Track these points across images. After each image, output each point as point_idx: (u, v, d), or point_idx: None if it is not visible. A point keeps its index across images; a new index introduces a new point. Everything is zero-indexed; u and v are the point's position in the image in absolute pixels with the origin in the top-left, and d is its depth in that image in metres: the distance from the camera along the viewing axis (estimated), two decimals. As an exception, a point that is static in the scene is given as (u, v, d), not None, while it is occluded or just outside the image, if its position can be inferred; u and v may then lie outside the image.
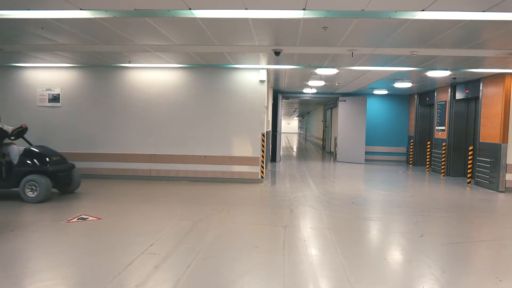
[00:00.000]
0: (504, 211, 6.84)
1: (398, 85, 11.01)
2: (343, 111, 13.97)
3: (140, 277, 3.46)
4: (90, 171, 8.95)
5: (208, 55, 7.35)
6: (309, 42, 6.05)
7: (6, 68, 9.08)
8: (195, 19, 4.86)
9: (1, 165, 6.64)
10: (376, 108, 14.67)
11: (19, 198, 6.50)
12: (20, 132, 6.84)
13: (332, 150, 16.37)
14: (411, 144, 13.73)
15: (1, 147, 6.75)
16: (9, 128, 6.86)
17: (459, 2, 4.05)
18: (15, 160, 6.63)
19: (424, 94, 13.12)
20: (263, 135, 8.87)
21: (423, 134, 13.36)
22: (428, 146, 12.25)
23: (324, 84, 11.78)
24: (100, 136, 9.00)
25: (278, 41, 6.06)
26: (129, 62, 8.34)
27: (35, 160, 6.58)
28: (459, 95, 10.60)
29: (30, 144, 6.95)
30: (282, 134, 15.71)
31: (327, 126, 19.67)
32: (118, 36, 5.90)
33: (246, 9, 4.42)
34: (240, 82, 8.80)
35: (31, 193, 6.44)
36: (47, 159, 6.66)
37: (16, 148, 6.80)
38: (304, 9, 4.39)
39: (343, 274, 3.66)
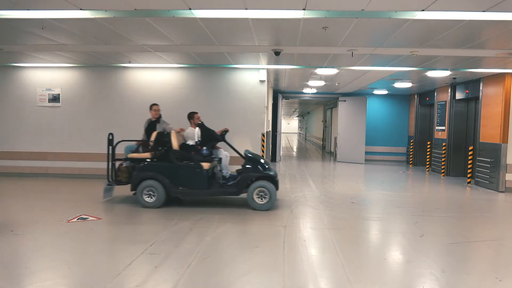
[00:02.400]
0: (504, 211, 6.84)
1: (398, 85, 11.00)
2: (343, 111, 13.97)
3: (140, 277, 3.46)
4: (91, 171, 8.95)
5: (208, 55, 7.35)
6: (309, 42, 6.05)
7: (6, 68, 9.08)
8: (195, 19, 4.86)
9: (216, 170, 6.42)
10: (376, 108, 14.67)
11: (15, 197, 6.50)
12: (224, 136, 6.58)
13: (332, 150, 16.37)
14: (411, 144, 13.73)
15: (213, 152, 6.54)
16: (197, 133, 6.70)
17: (459, 2, 4.05)
18: (226, 166, 6.42)
19: (424, 94, 13.12)
20: (263, 135, 8.87)
21: (423, 134, 13.35)
22: (428, 146, 12.25)
23: (324, 84, 11.78)
24: (100, 136, 8.98)
25: (278, 41, 6.06)
26: (129, 62, 8.34)
27: (260, 166, 6.24)
28: (459, 95, 10.60)
29: (233, 148, 6.55)
30: (282, 134, 15.71)
31: (327, 126, 19.67)
32: (118, 36, 5.90)
33: (246, 9, 4.42)
34: (240, 82, 8.80)
35: (261, 200, 6.11)
36: (266, 164, 6.35)
37: (224, 153, 6.64)
38: (304, 9, 4.39)
39: (343, 274, 3.66)
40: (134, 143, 6.75)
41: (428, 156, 12.22)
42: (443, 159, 11.04)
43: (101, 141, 8.98)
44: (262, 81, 8.76)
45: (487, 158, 8.80)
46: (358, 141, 13.64)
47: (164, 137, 6.34)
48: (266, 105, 9.21)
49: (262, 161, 6.37)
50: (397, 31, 5.20)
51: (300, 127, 46.47)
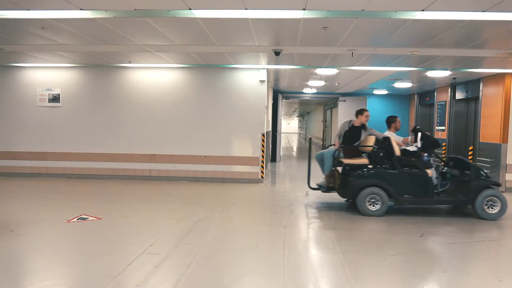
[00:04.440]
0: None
1: (398, 85, 11.00)
2: (343, 111, 13.96)
3: (140, 277, 3.46)
4: (90, 171, 8.95)
5: (208, 55, 7.35)
6: (309, 42, 6.05)
7: (6, 68, 9.08)
8: (195, 19, 4.86)
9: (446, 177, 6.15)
10: (376, 108, 14.63)
11: (15, 197, 6.48)
12: None
13: (332, 150, 16.34)
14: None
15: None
16: (400, 138, 6.54)
17: (459, 2, 4.05)
18: (436, 173, 6.08)
19: (424, 94, 13.11)
20: (263, 135, 8.86)
21: (423, 134, 13.32)
22: (428, 146, 12.22)
23: (324, 84, 11.78)
24: (100, 136, 9.00)
25: (278, 41, 6.05)
26: (129, 62, 8.33)
27: (484, 173, 5.91)
28: (459, 95, 10.60)
29: (435, 154, 6.26)
30: (282, 134, 15.71)
31: (327, 126, 19.66)
32: (118, 36, 5.89)
33: (246, 9, 4.42)
34: (240, 82, 8.80)
35: (491, 209, 5.78)
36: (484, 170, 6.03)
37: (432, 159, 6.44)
38: (304, 9, 4.38)
39: (343, 274, 3.66)
40: (331, 147, 6.62)
41: (428, 156, 12.19)
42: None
43: (101, 141, 9.00)
44: (262, 81, 8.76)
45: (487, 158, 8.79)
46: (358, 141, 13.63)
47: (380, 143, 6.21)
48: (266, 105, 9.21)
49: (481, 168, 6.13)
50: (397, 31, 5.20)
51: (300, 127, 46.45)
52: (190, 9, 4.47)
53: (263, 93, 8.83)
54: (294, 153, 19.09)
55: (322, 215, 5.96)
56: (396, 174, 5.92)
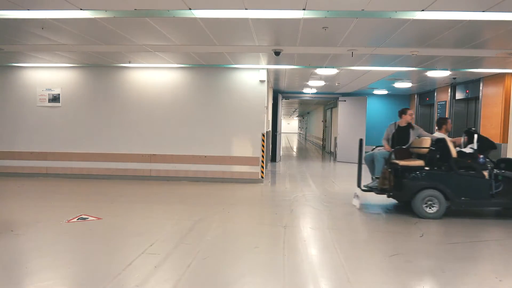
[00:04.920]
0: (504, 211, 6.83)
1: (398, 85, 11.01)
2: (343, 111, 13.97)
3: (140, 277, 3.46)
4: (90, 171, 8.95)
5: (208, 55, 7.35)
6: (309, 42, 6.06)
7: (6, 68, 9.08)
8: (195, 19, 4.87)
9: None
10: (376, 108, 14.65)
11: (15, 197, 6.46)
12: None
13: (332, 150, 16.37)
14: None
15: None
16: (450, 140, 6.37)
17: (459, 2, 4.06)
18: (490, 176, 5.89)
19: (424, 94, 13.12)
20: (263, 135, 8.86)
21: (423, 134, 13.33)
22: (428, 146, 12.22)
23: (324, 84, 11.78)
24: (100, 136, 9.00)
25: (278, 41, 6.06)
26: (129, 62, 8.33)
27: None
28: (459, 95, 10.60)
29: (489, 158, 6.17)
30: (282, 134, 15.72)
31: (327, 126, 19.67)
32: (118, 36, 5.90)
33: (246, 9, 4.42)
34: (240, 82, 8.80)
35: None
36: None
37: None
38: (304, 9, 4.39)
39: (343, 274, 3.66)
40: (381, 148, 6.61)
41: (428, 156, 12.18)
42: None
43: (101, 141, 9.00)
44: (262, 81, 8.76)
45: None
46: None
47: (435, 144, 6.11)
48: (266, 105, 9.21)
49: None
50: (397, 31, 5.20)
51: (300, 127, 46.46)
52: (190, 9, 4.48)
53: (263, 93, 8.83)
54: (294, 153, 19.08)
55: (322, 215, 5.96)
56: (453, 176, 5.82)
